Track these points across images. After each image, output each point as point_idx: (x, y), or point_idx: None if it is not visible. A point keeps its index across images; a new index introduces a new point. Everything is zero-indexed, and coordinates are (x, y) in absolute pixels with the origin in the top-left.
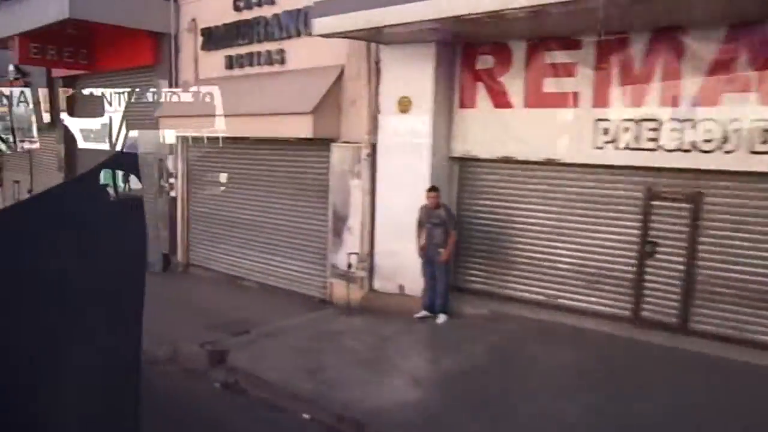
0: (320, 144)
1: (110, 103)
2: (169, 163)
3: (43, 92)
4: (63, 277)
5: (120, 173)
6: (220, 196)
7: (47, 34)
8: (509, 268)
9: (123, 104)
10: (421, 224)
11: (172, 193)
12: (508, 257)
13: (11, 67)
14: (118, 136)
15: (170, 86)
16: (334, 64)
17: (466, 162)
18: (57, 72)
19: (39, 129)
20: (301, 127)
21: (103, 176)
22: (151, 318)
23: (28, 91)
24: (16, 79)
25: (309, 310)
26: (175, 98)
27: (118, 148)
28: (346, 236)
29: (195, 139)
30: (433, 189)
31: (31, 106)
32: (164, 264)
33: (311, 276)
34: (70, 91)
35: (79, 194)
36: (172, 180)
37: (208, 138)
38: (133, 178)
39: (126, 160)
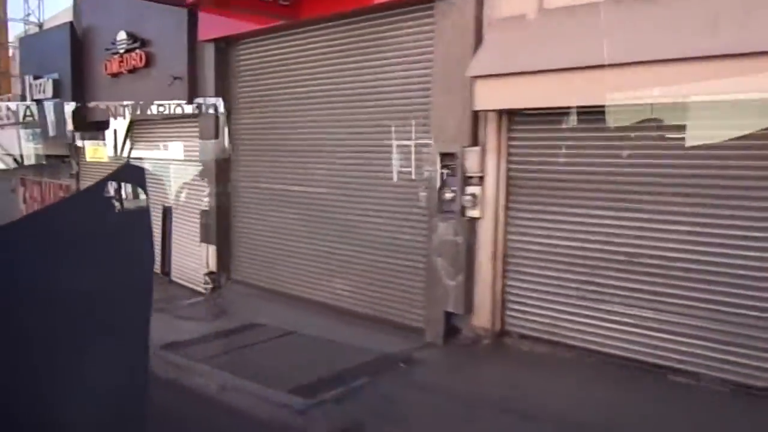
0: None
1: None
2: (469, 162)
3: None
4: (69, 287)
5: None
6: (597, 217)
7: None
8: None
9: None
10: None
11: (473, 212)
12: None
13: (122, 35)
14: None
15: (477, 27)
16: None
17: None
18: (208, 32)
19: None
20: None
21: (108, 189)
22: None
23: (33, 105)
24: (129, 50)
25: None
26: (510, 42)
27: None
28: None
29: (547, 114)
30: None
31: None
32: (446, 330)
33: None
34: (73, 104)
35: (84, 207)
36: (473, 190)
37: (587, 110)
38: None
39: (132, 173)
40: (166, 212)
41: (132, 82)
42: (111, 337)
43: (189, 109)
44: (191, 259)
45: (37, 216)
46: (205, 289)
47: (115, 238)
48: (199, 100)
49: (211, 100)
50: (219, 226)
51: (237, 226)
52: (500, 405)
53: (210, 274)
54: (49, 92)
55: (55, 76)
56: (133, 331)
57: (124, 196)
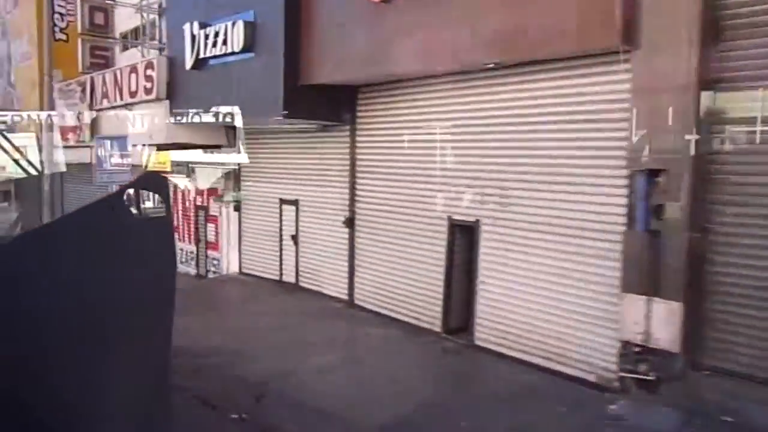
0: None
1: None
2: None
3: None
4: (93, 291)
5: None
6: None
7: None
8: None
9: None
10: None
11: None
12: None
13: None
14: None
15: None
16: None
17: None
18: None
19: None
20: None
21: (129, 197)
22: None
23: None
24: None
25: None
26: None
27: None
28: None
29: None
30: None
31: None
32: None
33: None
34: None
35: (107, 213)
36: None
37: None
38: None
39: (153, 181)
40: (454, 229)
41: (437, 8)
42: (134, 338)
43: None
44: (559, 316)
45: (56, 222)
46: (621, 380)
47: (134, 244)
48: None
49: None
50: (690, 264)
51: (730, 264)
52: None
53: (644, 352)
54: (238, 43)
55: (248, 16)
56: (157, 332)
57: (143, 204)
